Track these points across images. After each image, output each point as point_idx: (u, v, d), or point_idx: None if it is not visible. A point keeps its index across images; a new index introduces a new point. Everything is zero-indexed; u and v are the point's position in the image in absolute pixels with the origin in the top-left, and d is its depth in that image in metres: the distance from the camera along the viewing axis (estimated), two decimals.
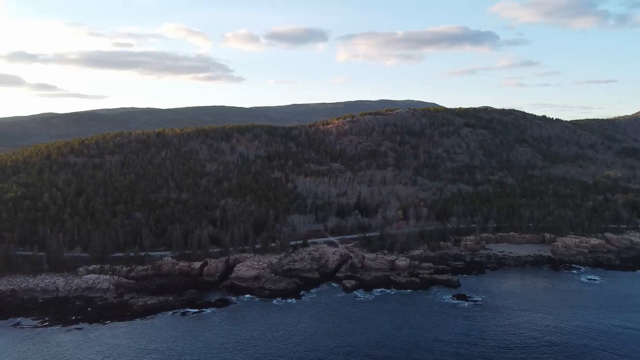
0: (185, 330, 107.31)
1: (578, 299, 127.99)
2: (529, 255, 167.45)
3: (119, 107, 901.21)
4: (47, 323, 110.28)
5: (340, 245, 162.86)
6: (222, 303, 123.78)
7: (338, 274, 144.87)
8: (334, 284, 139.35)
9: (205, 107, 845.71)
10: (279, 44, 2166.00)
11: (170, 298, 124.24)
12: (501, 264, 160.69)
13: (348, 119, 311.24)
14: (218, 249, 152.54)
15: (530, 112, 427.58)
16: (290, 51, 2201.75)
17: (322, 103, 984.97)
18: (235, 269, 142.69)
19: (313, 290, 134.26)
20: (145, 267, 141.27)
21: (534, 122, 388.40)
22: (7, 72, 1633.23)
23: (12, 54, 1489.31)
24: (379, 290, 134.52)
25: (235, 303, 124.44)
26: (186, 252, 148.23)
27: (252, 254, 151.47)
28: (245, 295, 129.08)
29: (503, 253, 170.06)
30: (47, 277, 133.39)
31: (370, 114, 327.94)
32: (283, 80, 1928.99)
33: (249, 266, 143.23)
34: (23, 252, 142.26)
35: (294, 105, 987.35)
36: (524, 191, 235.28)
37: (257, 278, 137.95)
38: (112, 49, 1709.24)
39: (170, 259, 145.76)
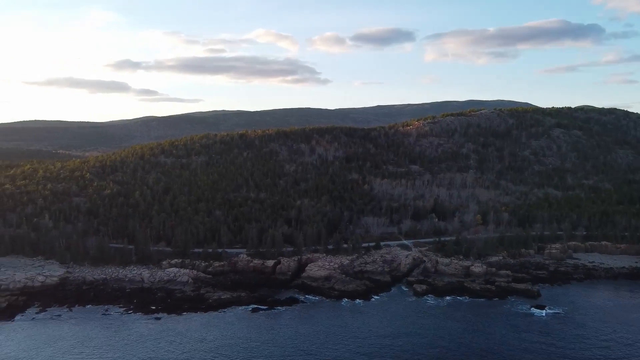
0: (254, 325, 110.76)
1: None
2: (624, 267, 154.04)
3: (211, 110, 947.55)
4: (131, 311, 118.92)
5: (413, 249, 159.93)
6: (292, 301, 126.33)
7: (409, 278, 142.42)
8: (404, 288, 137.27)
9: (291, 109, 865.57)
10: (364, 45, 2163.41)
11: (243, 294, 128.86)
12: (590, 275, 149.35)
13: (429, 120, 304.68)
14: (291, 248, 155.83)
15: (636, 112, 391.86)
16: (376, 52, 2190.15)
17: (408, 104, 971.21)
18: (306, 268, 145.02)
19: (383, 293, 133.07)
20: (222, 263, 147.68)
21: (639, 122, 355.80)
22: (115, 79, 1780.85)
23: (119, 63, 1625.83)
24: (450, 296, 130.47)
25: (304, 302, 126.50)
26: (261, 250, 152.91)
27: (324, 255, 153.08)
28: (315, 295, 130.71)
29: (593, 263, 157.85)
30: (135, 268, 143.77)
31: (452, 115, 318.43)
32: (369, 82, 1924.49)
33: (320, 266, 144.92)
34: (116, 244, 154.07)
35: (378, 106, 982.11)
36: (622, 197, 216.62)
37: (327, 278, 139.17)
38: (206, 55, 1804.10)
39: (245, 256, 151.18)
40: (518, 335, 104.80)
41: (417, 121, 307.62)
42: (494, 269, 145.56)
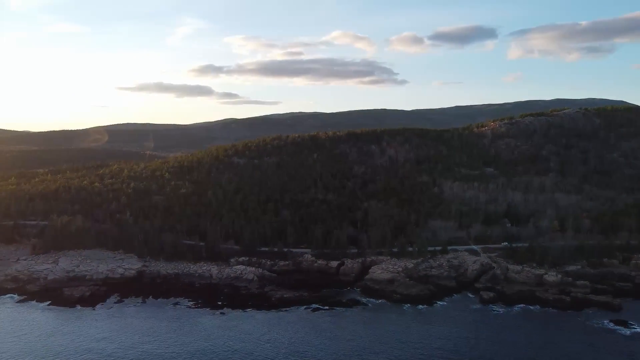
0: (314, 326, 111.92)
1: None
2: None
3: (288, 112, 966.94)
4: (198, 306, 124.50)
5: (482, 254, 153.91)
6: (354, 303, 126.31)
7: (476, 285, 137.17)
8: (470, 295, 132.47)
9: (367, 111, 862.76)
10: (443, 45, 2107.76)
11: (306, 294, 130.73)
12: None
13: (506, 121, 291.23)
14: (356, 250, 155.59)
15: None
16: (456, 51, 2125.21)
17: (488, 104, 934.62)
18: (370, 270, 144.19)
19: (447, 299, 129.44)
20: (287, 262, 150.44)
21: None
22: (200, 84, 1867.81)
23: (203, 67, 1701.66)
24: (520, 305, 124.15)
25: (366, 304, 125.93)
26: (325, 250, 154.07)
27: (389, 257, 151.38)
28: (377, 299, 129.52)
29: None
30: (205, 265, 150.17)
31: (531, 115, 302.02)
32: (447, 82, 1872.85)
33: (384, 269, 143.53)
34: (188, 241, 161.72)
35: (457, 107, 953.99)
36: None
37: (390, 281, 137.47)
38: (284, 58, 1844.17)
39: (310, 256, 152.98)
40: (595, 355, 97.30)
41: (493, 122, 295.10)
42: (570, 279, 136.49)
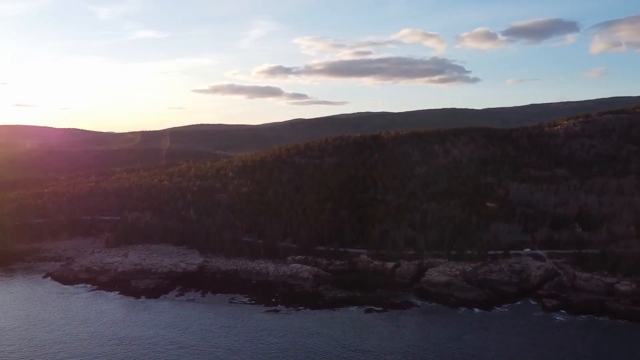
0: (364, 326, 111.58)
1: None
2: None
3: (356, 112, 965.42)
4: (253, 302, 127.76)
5: (547, 260, 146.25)
6: (407, 305, 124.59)
7: (539, 291, 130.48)
8: (532, 301, 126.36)
9: (435, 110, 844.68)
10: (518, 40, 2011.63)
11: (359, 294, 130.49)
12: None
13: (581, 119, 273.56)
14: (413, 252, 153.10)
15: None
16: (532, 46, 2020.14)
17: (567, 102, 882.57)
18: (426, 273, 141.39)
19: (506, 305, 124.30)
20: (343, 262, 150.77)
21: None
22: (270, 85, 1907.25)
23: (273, 69, 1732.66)
24: (586, 315, 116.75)
25: (420, 307, 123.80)
26: (382, 251, 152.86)
27: (446, 260, 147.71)
28: (432, 301, 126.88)
29: None
30: (262, 262, 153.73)
31: (610, 112, 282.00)
32: (523, 79, 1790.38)
33: (440, 271, 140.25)
34: (248, 239, 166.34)
35: (532, 105, 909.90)
36: None
37: (447, 284, 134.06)
38: (352, 57, 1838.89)
39: (366, 256, 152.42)
40: None
41: (567, 120, 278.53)
42: None
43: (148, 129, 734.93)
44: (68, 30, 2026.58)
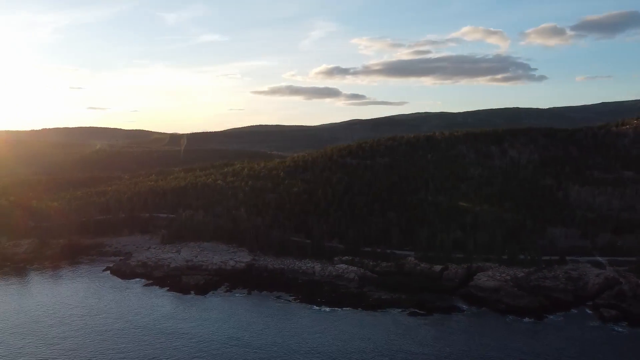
0: (406, 329, 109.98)
1: None
2: None
3: (414, 112, 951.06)
4: (298, 301, 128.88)
5: (608, 268, 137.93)
6: (453, 310, 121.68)
7: (597, 300, 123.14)
8: (588, 311, 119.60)
9: (497, 110, 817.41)
10: (589, 35, 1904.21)
11: (404, 296, 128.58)
12: None
13: None
14: (462, 255, 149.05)
15: None
16: (605, 41, 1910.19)
17: None
18: (475, 277, 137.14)
19: (559, 313, 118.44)
20: (389, 264, 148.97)
21: None
22: (328, 85, 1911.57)
23: (330, 70, 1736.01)
24: None
25: (465, 312, 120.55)
26: (430, 254, 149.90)
27: (497, 264, 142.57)
28: (479, 307, 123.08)
29: None
30: (309, 262, 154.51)
31: None
32: (594, 76, 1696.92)
33: (490, 276, 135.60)
34: (296, 238, 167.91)
35: (603, 104, 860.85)
36: None
37: (496, 290, 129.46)
38: (411, 57, 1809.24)
39: (413, 259, 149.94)
40: None
41: (637, 119, 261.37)
42: None
43: (209, 130, 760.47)
44: (138, 36, 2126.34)
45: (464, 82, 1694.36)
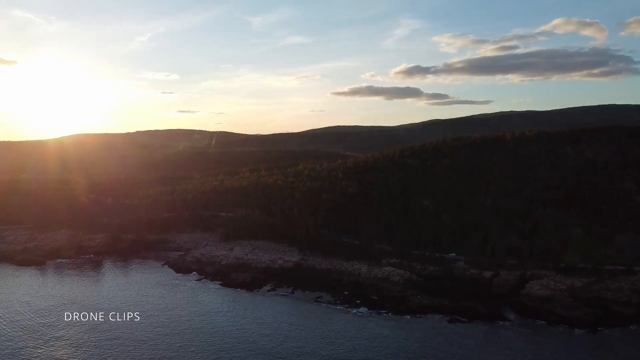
0: (444, 336, 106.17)
1: None
2: None
3: (498, 111, 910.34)
4: (338, 302, 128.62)
5: None
6: (496, 318, 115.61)
7: None
8: None
9: (589, 107, 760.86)
10: None
11: (447, 302, 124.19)
12: None
13: None
14: (515, 261, 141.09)
15: None
16: None
17: None
18: (527, 285, 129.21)
19: (618, 328, 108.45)
20: (437, 268, 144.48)
21: None
22: (409, 85, 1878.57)
23: (410, 69, 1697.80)
24: None
25: (511, 321, 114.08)
26: (481, 259, 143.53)
27: (553, 273, 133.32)
28: (527, 317, 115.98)
29: None
30: (356, 263, 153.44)
31: None
32: None
33: (543, 285, 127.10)
34: (345, 239, 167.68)
35: None
36: None
37: (549, 299, 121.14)
38: (496, 53, 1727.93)
39: (463, 263, 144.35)
40: None
41: None
42: None
43: (289, 131, 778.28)
44: (226, 40, 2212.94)
45: (556, 78, 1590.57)
